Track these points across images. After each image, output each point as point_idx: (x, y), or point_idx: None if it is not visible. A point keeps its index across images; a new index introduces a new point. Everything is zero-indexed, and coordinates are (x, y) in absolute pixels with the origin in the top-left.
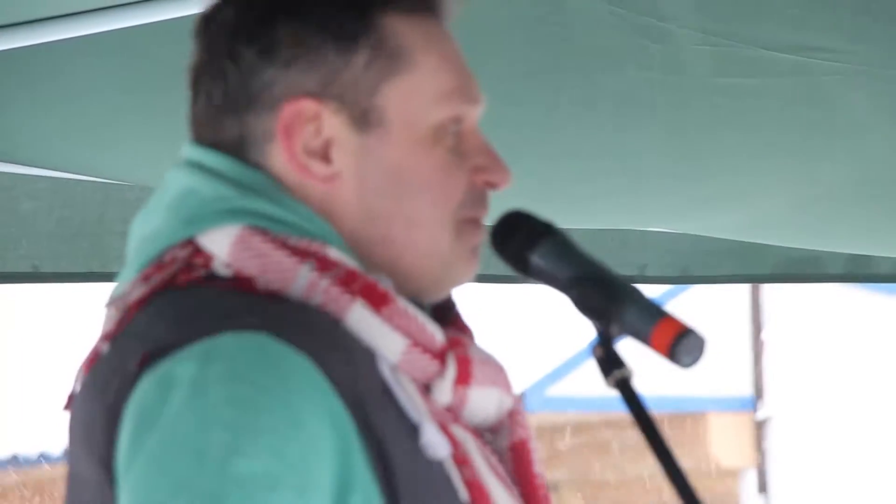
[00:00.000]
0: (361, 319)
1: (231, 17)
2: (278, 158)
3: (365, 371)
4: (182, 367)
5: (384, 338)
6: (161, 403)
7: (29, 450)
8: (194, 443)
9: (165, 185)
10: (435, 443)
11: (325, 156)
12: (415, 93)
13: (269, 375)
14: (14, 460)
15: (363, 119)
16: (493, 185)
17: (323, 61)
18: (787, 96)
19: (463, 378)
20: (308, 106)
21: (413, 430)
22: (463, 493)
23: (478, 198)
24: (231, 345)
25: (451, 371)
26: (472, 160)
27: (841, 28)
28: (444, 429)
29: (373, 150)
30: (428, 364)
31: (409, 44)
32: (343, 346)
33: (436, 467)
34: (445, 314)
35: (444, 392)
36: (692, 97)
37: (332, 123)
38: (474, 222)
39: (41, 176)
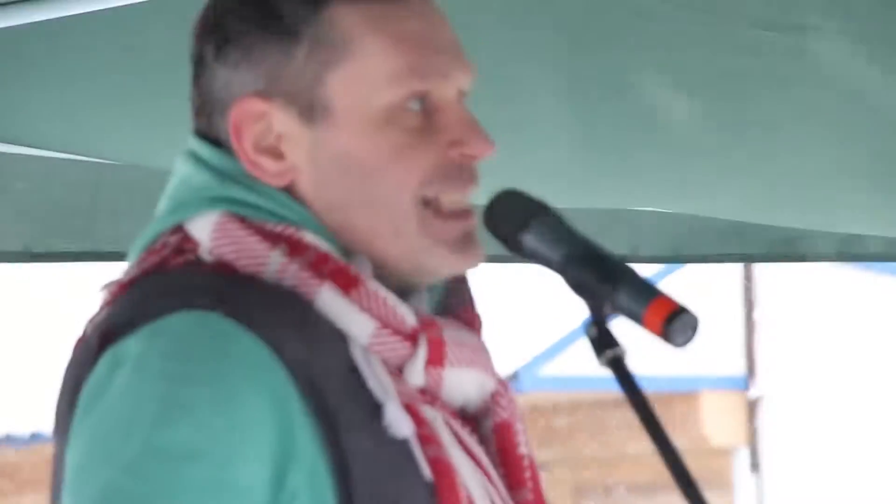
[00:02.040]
0: (330, 302)
1: (200, 20)
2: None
3: (330, 352)
4: (132, 344)
5: (353, 320)
6: (109, 380)
7: (22, 429)
8: (126, 416)
9: (173, 173)
10: (397, 421)
11: (277, 152)
12: (359, 78)
13: (210, 351)
14: (7, 439)
15: (310, 111)
16: (470, 157)
17: (267, 58)
18: (781, 75)
19: (435, 359)
20: (254, 104)
21: (378, 410)
22: (426, 471)
23: (453, 174)
24: (179, 323)
25: (422, 353)
26: (445, 135)
27: (833, 6)
28: (412, 409)
29: (323, 141)
30: (398, 346)
31: (351, 30)
32: (306, 327)
33: (399, 446)
34: (455, 302)
35: (416, 374)
36: (684, 77)
37: (281, 119)
38: (449, 214)
39: (34, 156)
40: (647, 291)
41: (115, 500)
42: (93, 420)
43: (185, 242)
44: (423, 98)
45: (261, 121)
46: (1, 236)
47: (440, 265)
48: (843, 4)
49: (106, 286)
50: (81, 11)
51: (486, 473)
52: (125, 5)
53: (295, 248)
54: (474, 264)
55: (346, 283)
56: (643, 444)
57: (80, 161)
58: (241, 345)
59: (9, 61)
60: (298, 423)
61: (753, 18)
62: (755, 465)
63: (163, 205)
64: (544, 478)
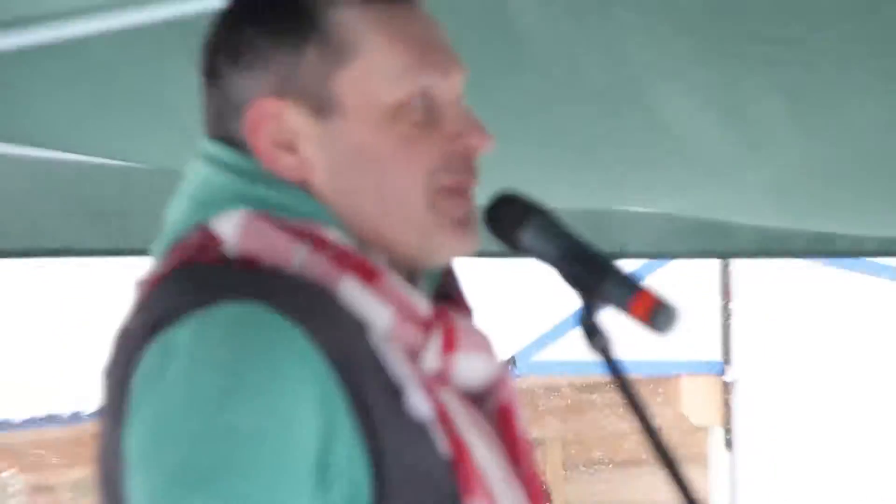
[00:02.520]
0: (352, 293)
1: (211, 33)
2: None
3: (354, 339)
4: (181, 334)
5: (373, 309)
6: (162, 368)
7: (63, 409)
8: (188, 400)
9: (187, 176)
10: (418, 404)
11: (292, 147)
12: (366, 77)
13: (259, 339)
14: (50, 419)
15: (321, 108)
16: (472, 149)
17: (279, 61)
18: (758, 83)
19: (448, 346)
20: (269, 104)
21: (399, 394)
22: (446, 449)
23: (456, 165)
24: (226, 313)
25: (437, 339)
26: (447, 129)
27: (804, 18)
28: (430, 392)
29: (335, 136)
30: (415, 334)
31: (355, 33)
32: (333, 315)
33: (420, 427)
34: (447, 291)
35: (431, 359)
36: (666, 85)
37: (294, 117)
38: (453, 191)
39: (66, 160)
40: (632, 285)
41: (187, 475)
42: (152, 406)
43: (208, 240)
44: (425, 95)
45: (276, 119)
46: (45, 234)
47: (442, 245)
48: (815, 16)
49: (138, 283)
50: (111, 27)
51: (499, 453)
52: (153, 21)
53: (319, 244)
54: (472, 247)
55: (367, 276)
56: (628, 424)
57: (111, 164)
58: (286, 333)
59: (43, 72)
60: (338, 406)
61: (734, 31)
62: (729, 443)
63: (181, 206)
64: (537, 453)
